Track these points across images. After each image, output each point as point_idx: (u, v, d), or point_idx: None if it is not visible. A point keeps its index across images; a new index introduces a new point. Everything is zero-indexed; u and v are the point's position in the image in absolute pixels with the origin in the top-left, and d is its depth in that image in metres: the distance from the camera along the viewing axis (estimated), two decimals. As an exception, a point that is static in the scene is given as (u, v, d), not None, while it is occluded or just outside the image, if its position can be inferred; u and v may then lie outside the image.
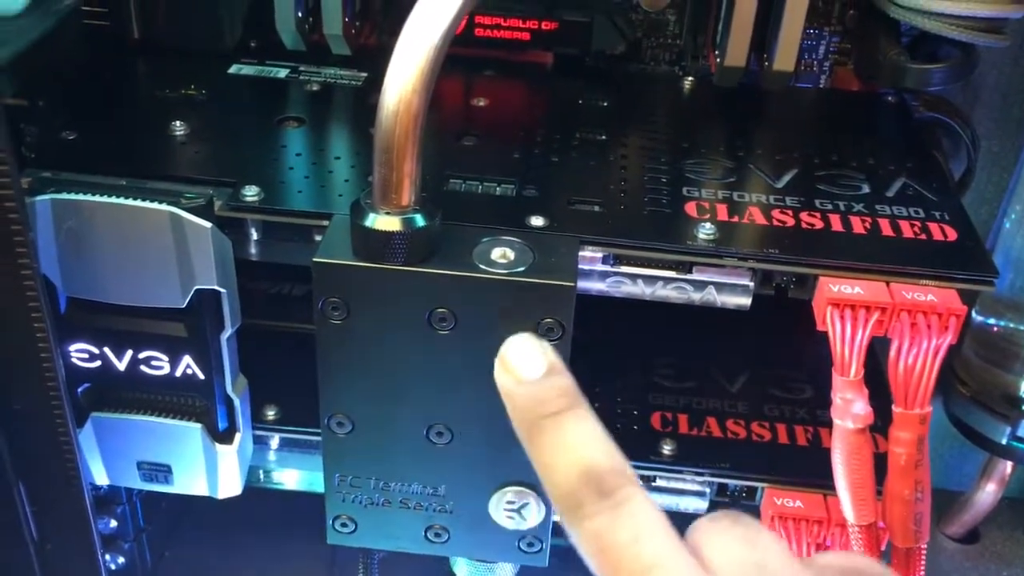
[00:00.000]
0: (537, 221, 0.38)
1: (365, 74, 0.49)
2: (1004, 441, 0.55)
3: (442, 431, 0.39)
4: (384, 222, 0.35)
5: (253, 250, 0.40)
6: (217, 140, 0.43)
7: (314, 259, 0.35)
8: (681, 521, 0.25)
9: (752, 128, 0.47)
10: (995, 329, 0.55)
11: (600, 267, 0.38)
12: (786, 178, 0.43)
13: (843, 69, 0.53)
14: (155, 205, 0.37)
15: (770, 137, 0.46)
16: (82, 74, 0.46)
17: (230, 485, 0.45)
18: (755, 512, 0.43)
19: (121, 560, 0.56)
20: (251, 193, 0.39)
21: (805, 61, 0.53)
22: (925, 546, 0.38)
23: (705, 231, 0.38)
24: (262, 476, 0.51)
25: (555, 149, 0.44)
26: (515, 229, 0.38)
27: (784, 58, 0.45)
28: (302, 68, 0.49)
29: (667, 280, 0.39)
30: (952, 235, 0.39)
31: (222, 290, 0.39)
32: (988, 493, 0.61)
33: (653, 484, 0.44)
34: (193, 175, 0.40)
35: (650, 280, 0.39)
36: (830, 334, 0.36)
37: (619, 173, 0.42)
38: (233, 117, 0.45)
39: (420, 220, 0.35)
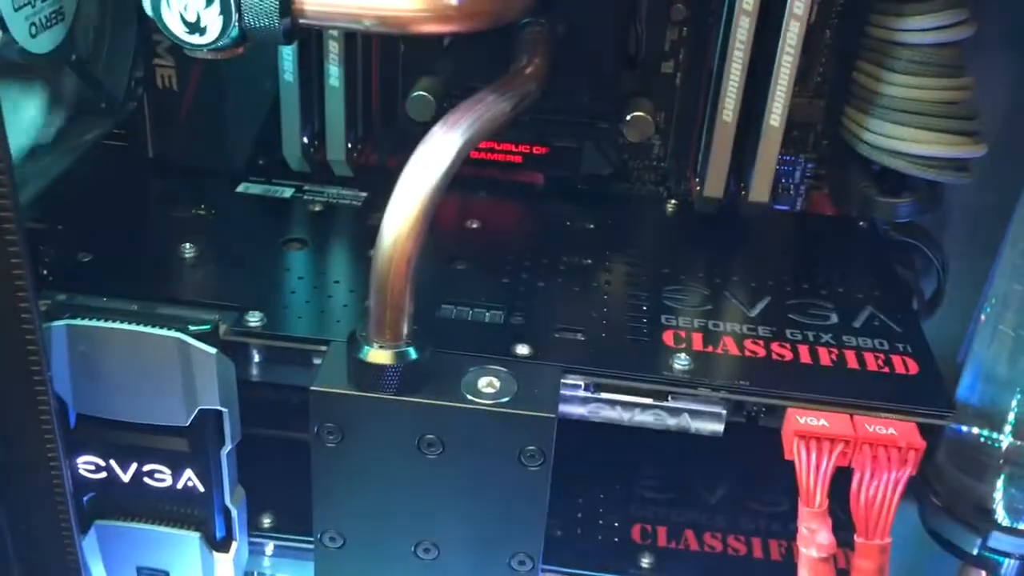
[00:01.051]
0: (523, 350, 0.41)
1: (365, 194, 0.52)
2: (975, 552, 0.57)
3: (429, 547, 0.41)
4: (378, 355, 0.37)
5: (255, 371, 0.42)
6: (224, 262, 0.46)
7: (312, 387, 0.38)
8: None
9: (729, 253, 0.50)
10: (967, 439, 0.57)
11: (581, 393, 0.41)
12: (759, 307, 0.45)
13: (819, 193, 0.56)
14: (164, 332, 0.39)
15: (745, 263, 0.49)
16: (98, 195, 0.49)
17: (226, 591, 0.46)
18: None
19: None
20: (254, 319, 0.41)
21: (782, 185, 0.56)
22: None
23: (680, 362, 0.41)
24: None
25: (542, 274, 0.47)
26: (501, 357, 0.40)
27: (759, 190, 0.48)
28: (306, 187, 0.52)
29: (644, 407, 0.41)
30: (913, 368, 0.42)
31: (224, 409, 0.41)
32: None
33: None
34: (201, 299, 0.43)
35: (628, 407, 0.41)
36: (796, 464, 0.38)
37: (602, 300, 0.45)
38: (240, 238, 0.48)
39: (412, 353, 0.37)
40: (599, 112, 0.51)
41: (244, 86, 0.51)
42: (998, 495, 0.56)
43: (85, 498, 0.44)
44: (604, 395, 0.41)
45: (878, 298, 0.46)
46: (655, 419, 0.41)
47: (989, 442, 0.56)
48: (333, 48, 0.47)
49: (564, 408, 0.41)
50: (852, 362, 0.42)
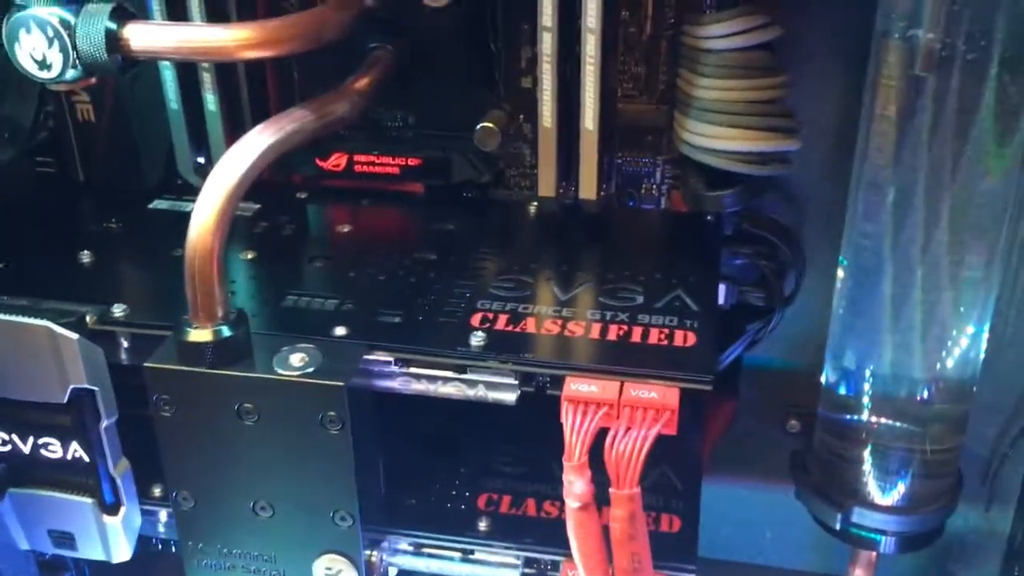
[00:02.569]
0: (340, 331, 0.47)
1: (257, 206, 0.59)
2: (837, 526, 0.60)
3: (264, 506, 0.47)
4: (196, 335, 0.44)
5: (124, 356, 0.49)
6: (114, 266, 0.53)
7: (145, 364, 0.44)
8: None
9: (569, 248, 0.55)
10: (833, 422, 0.61)
11: (391, 368, 0.46)
12: (573, 292, 0.50)
13: (679, 192, 0.60)
14: (35, 321, 0.47)
15: (578, 256, 0.54)
16: (21, 214, 0.57)
17: (121, 551, 0.53)
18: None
19: (68, 620, 0.65)
20: (119, 310, 0.48)
21: (646, 185, 0.61)
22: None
23: (477, 339, 0.46)
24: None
25: (386, 269, 0.52)
26: (319, 338, 0.46)
27: (586, 188, 0.53)
28: (207, 202, 0.59)
29: (445, 379, 0.46)
30: (691, 341, 0.46)
31: (95, 388, 0.48)
32: (857, 579, 0.65)
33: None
34: (86, 295, 0.50)
35: (432, 379, 0.46)
36: (564, 425, 0.43)
37: (431, 289, 0.50)
38: (134, 247, 0.55)
39: (226, 332, 0.44)
40: (464, 125, 0.57)
41: (150, 114, 0.58)
42: (860, 473, 0.59)
43: (-2, 469, 0.52)
44: (411, 369, 0.46)
45: (690, 283, 0.51)
46: (456, 390, 0.46)
47: (851, 423, 0.59)
48: (206, 78, 0.54)
49: (379, 382, 0.47)
50: (636, 337, 0.46)
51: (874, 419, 0.58)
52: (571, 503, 0.42)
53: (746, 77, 0.51)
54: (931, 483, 0.59)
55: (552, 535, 0.49)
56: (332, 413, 0.43)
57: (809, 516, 0.65)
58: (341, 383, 0.43)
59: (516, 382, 0.46)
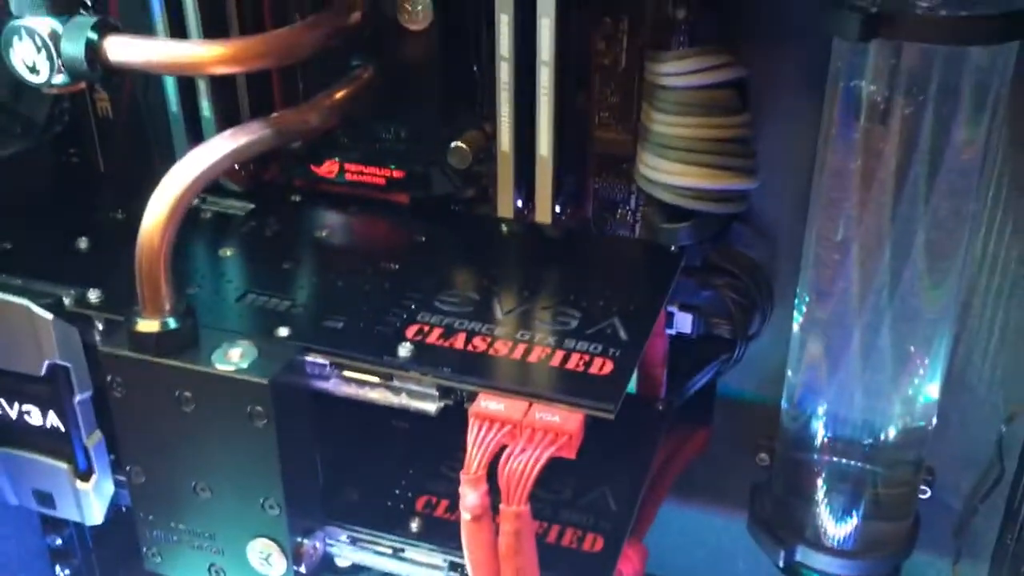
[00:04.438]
0: (282, 331, 0.50)
1: (252, 205, 0.63)
2: (780, 563, 0.60)
3: (203, 488, 0.50)
4: (143, 325, 0.47)
5: (97, 338, 0.54)
6: (105, 253, 0.58)
7: (99, 348, 0.49)
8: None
9: (527, 270, 0.57)
10: (788, 460, 0.61)
11: (326, 371, 0.49)
12: (513, 312, 0.52)
13: (650, 222, 0.62)
14: (15, 299, 0.52)
15: (534, 277, 0.56)
16: (38, 202, 0.62)
17: (94, 515, 0.58)
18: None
19: (68, 572, 0.71)
20: (94, 296, 0.53)
21: (621, 211, 0.62)
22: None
23: (405, 349, 0.48)
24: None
25: (345, 275, 0.55)
26: (262, 336, 0.49)
27: (541, 211, 0.55)
28: (208, 199, 0.64)
29: (372, 385, 0.49)
30: (608, 369, 0.47)
31: (68, 365, 0.53)
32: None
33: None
34: (74, 279, 0.55)
35: (360, 384, 0.49)
36: (468, 438, 0.45)
37: (381, 298, 0.53)
38: (131, 236, 0.59)
39: (171, 324, 0.48)
40: (445, 142, 0.60)
41: (161, 113, 0.63)
42: (810, 512, 0.59)
43: (-11, 430, 0.58)
44: (344, 373, 0.49)
45: (629, 312, 0.52)
46: (382, 396, 0.49)
47: (804, 460, 0.59)
48: (202, 85, 0.58)
49: (316, 383, 0.50)
50: (556, 361, 0.48)
51: (825, 458, 0.58)
52: (464, 515, 0.44)
53: (703, 115, 0.52)
54: (883, 526, 0.59)
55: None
56: (259, 408, 0.47)
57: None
58: (265, 380, 0.46)
59: (436, 393, 0.48)
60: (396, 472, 0.57)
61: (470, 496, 0.44)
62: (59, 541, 0.69)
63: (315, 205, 0.64)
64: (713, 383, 0.66)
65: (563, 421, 0.45)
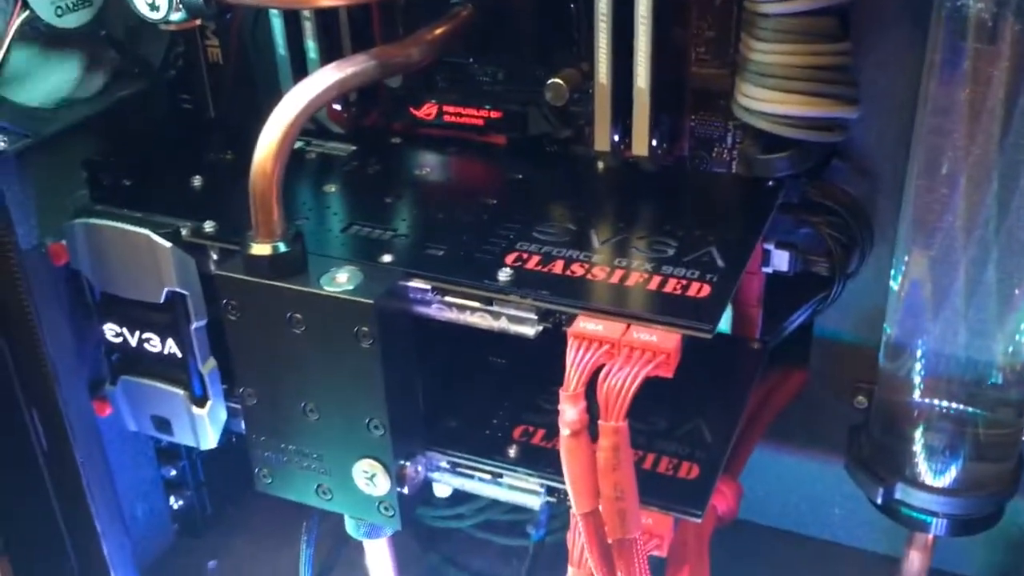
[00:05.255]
0: (386, 258, 0.52)
1: (355, 147, 0.65)
2: (879, 500, 0.59)
3: (312, 409, 0.53)
4: (256, 248, 0.50)
5: (212, 267, 0.56)
6: (218, 189, 0.60)
7: (215, 271, 0.51)
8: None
9: (624, 203, 0.57)
10: (887, 400, 0.60)
11: (428, 296, 0.51)
12: (609, 241, 0.53)
13: (747, 158, 0.61)
14: (137, 228, 0.55)
15: (630, 210, 0.56)
16: (155, 144, 0.65)
17: (208, 439, 0.61)
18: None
19: (181, 503, 0.75)
20: (209, 226, 0.55)
21: (717, 149, 0.62)
22: (636, 537, 0.46)
23: (504, 274, 0.50)
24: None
25: (445, 209, 0.57)
26: (366, 262, 0.51)
27: (638, 144, 0.55)
28: (312, 141, 0.66)
29: (473, 310, 0.50)
30: (705, 292, 0.48)
31: (186, 292, 0.56)
32: (913, 561, 0.64)
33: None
34: (190, 214, 0.57)
35: (461, 308, 0.50)
36: (567, 358, 0.46)
37: (480, 229, 0.55)
38: (239, 174, 0.62)
39: (282, 247, 0.50)
40: (542, 82, 0.60)
41: (268, 58, 0.65)
42: (910, 451, 0.59)
43: (112, 357, 0.61)
44: (444, 298, 0.51)
45: (725, 243, 0.52)
46: (482, 320, 0.50)
47: (905, 401, 0.59)
48: (307, 27, 0.60)
49: (418, 308, 0.51)
50: (653, 285, 0.49)
51: (926, 400, 0.58)
52: (564, 430, 0.45)
53: (803, 42, 0.52)
54: (985, 467, 0.58)
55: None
56: (364, 328, 0.49)
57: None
58: (371, 301, 0.48)
59: (535, 317, 0.49)
60: (492, 404, 0.58)
61: (569, 412, 0.45)
62: (173, 472, 0.73)
63: (415, 146, 0.65)
64: (810, 324, 0.65)
65: (661, 340, 0.45)
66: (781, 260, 0.61)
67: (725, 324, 0.65)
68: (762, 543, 0.74)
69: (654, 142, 0.56)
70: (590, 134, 0.63)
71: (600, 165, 0.61)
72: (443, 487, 0.58)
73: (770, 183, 0.58)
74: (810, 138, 0.53)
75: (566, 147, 0.64)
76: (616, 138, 0.58)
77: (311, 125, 0.65)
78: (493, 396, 0.59)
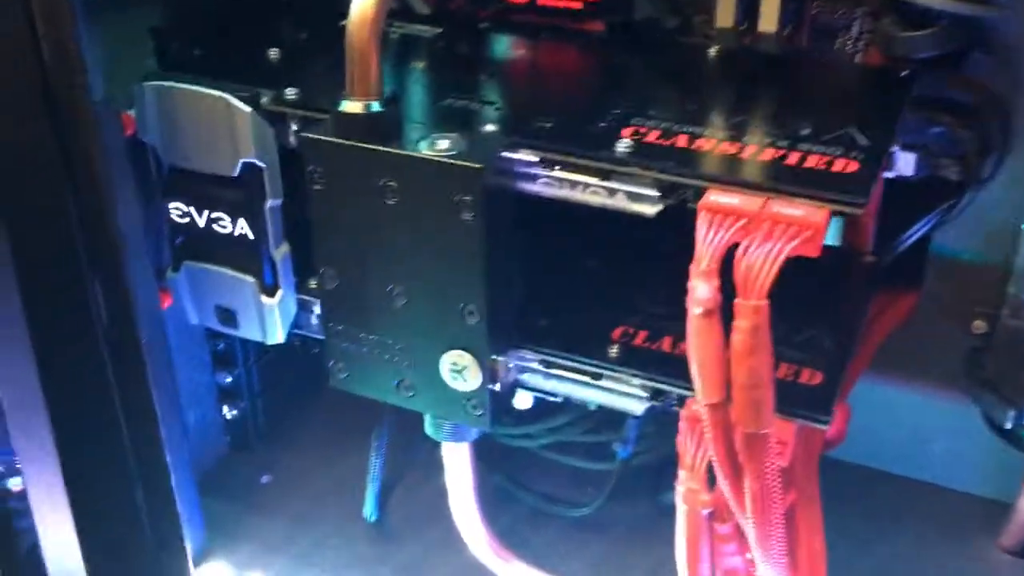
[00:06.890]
0: (489, 128, 0.47)
1: (440, 29, 0.60)
2: (1009, 424, 0.54)
3: (399, 292, 0.48)
4: (348, 106, 0.45)
5: (292, 139, 0.52)
6: (296, 62, 0.55)
7: (301, 134, 0.46)
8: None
9: (744, 86, 0.52)
10: (1017, 327, 0.55)
11: (534, 170, 0.46)
12: (735, 119, 0.48)
13: (875, 48, 0.56)
14: (213, 91, 0.50)
15: (753, 93, 0.51)
16: (232, 18, 0.61)
17: (276, 334, 0.56)
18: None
19: (235, 413, 0.71)
20: (291, 92, 0.51)
21: (841, 39, 0.56)
22: (768, 432, 0.41)
23: (623, 145, 0.45)
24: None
25: (548, 85, 0.52)
26: (467, 132, 0.46)
27: (766, 19, 0.50)
28: (395, 23, 0.61)
29: (586, 185, 0.45)
30: (852, 168, 0.43)
31: (263, 165, 0.51)
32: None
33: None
34: (266, 84, 0.53)
35: (573, 184, 0.46)
36: (698, 234, 0.41)
37: (588, 105, 0.50)
38: (317, 52, 0.57)
39: (376, 107, 0.45)
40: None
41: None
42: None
43: (177, 240, 0.56)
44: (553, 172, 0.46)
45: (863, 124, 0.47)
46: (597, 197, 0.45)
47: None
48: None
49: (522, 184, 0.47)
50: (792, 160, 0.43)
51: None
52: (693, 309, 0.40)
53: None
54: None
55: (683, 372, 0.48)
56: (467, 198, 0.44)
57: (986, 432, 0.60)
58: (479, 165, 0.43)
59: (657, 194, 0.44)
60: (588, 303, 0.54)
61: (701, 288, 0.40)
62: (228, 379, 0.69)
63: (505, 31, 0.60)
64: (926, 239, 0.60)
65: (807, 214, 0.40)
66: (907, 163, 0.55)
67: (832, 235, 0.59)
68: (853, 484, 0.69)
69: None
70: (700, 23, 0.58)
71: (712, 52, 0.56)
72: (524, 398, 0.54)
73: (903, 73, 0.53)
74: (956, 9, 0.48)
75: (672, 38, 0.59)
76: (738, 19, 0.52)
77: (395, 4, 0.60)
78: (588, 296, 0.54)
